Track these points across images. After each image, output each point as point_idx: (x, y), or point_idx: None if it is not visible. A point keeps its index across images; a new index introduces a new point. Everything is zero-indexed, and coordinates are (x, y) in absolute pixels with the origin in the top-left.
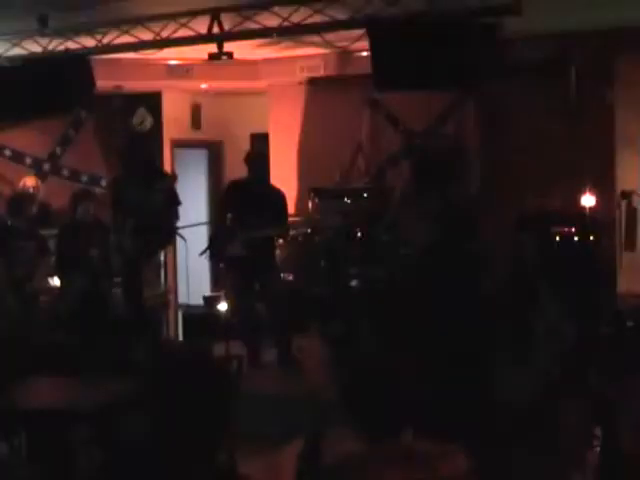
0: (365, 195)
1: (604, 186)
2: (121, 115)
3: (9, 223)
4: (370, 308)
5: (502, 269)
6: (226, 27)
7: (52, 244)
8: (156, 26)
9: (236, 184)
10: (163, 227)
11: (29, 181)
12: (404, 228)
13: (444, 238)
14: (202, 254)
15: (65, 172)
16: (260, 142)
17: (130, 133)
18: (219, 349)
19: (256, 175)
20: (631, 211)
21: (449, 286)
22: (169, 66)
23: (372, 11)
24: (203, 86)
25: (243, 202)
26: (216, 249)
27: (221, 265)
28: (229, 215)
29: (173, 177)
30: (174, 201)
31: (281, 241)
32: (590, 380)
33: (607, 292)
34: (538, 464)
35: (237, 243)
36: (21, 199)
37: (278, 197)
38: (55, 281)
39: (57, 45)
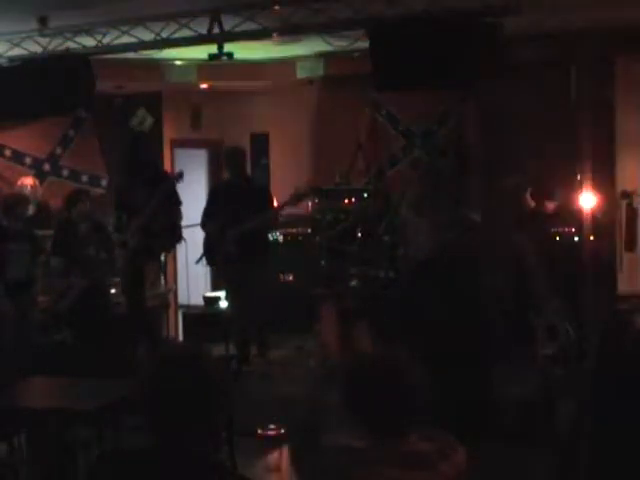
0: (365, 195)
1: (604, 186)
2: (121, 115)
3: (3, 224)
4: (370, 308)
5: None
6: (226, 27)
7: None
8: (156, 26)
9: (216, 187)
10: (168, 228)
11: (27, 181)
12: (404, 229)
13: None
14: (198, 262)
15: (65, 172)
16: (260, 142)
17: (131, 133)
18: (219, 349)
19: (232, 172)
20: (631, 211)
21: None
22: (169, 66)
23: (372, 11)
24: (203, 86)
25: (226, 202)
26: (211, 254)
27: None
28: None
29: (178, 175)
30: (176, 201)
31: (281, 239)
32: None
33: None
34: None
35: (228, 242)
36: (14, 200)
37: (260, 189)
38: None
39: (57, 45)
